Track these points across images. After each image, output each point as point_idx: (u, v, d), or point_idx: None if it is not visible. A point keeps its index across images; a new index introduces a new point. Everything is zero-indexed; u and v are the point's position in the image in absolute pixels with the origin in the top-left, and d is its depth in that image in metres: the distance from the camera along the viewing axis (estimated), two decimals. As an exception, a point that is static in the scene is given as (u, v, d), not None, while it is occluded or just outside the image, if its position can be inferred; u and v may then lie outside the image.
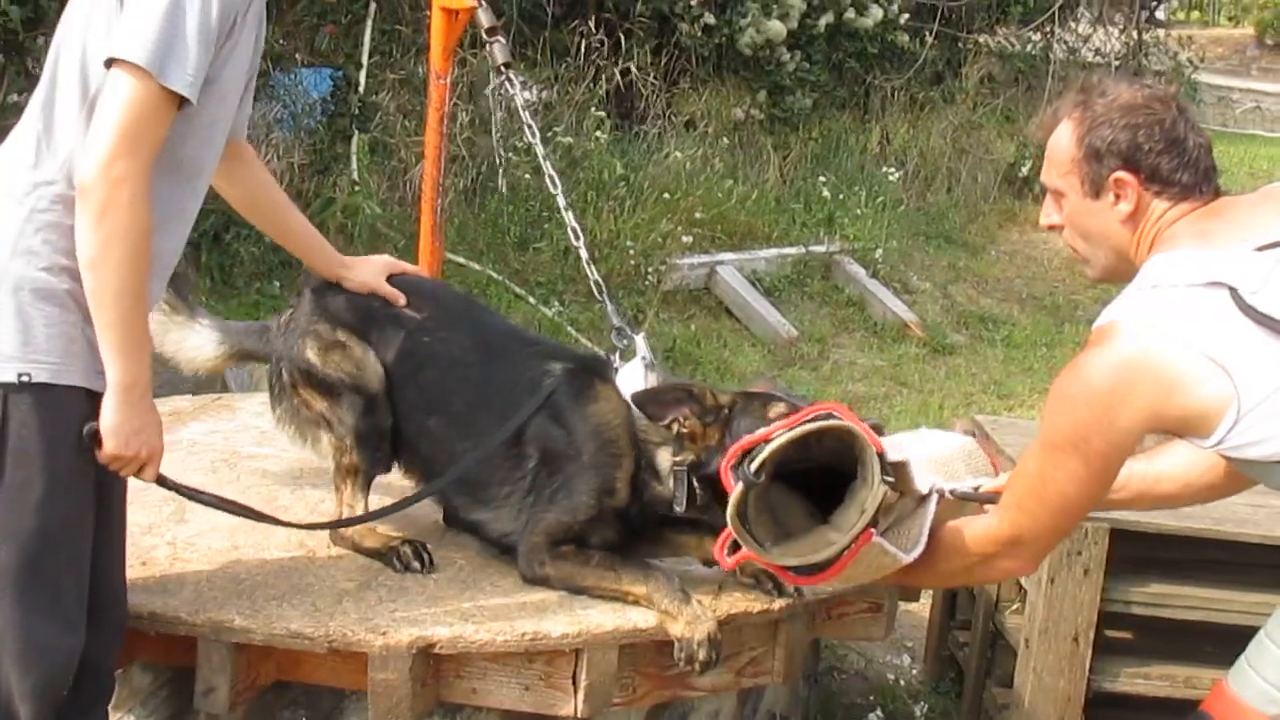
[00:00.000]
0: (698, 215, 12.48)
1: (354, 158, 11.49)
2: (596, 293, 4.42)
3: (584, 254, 4.69)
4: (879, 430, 3.63)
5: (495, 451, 3.99)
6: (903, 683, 5.92)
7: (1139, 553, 4.76)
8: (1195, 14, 32.70)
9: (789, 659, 4.10)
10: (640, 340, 4.13)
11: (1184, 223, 3.23)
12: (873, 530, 3.32)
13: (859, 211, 13.91)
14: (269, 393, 4.38)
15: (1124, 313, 3.10)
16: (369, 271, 4.22)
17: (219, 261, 10.35)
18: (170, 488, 3.58)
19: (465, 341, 4.18)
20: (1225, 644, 4.87)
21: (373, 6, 11.83)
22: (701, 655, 3.70)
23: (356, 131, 11.51)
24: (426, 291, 4.35)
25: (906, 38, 16.22)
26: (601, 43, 13.78)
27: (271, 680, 3.78)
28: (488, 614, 3.74)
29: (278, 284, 10.51)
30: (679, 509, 3.85)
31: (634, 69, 14.11)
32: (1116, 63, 17.77)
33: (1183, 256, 3.12)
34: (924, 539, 3.45)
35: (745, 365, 10.83)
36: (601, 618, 3.75)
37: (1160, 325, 3.03)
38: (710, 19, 14.61)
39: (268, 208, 4.21)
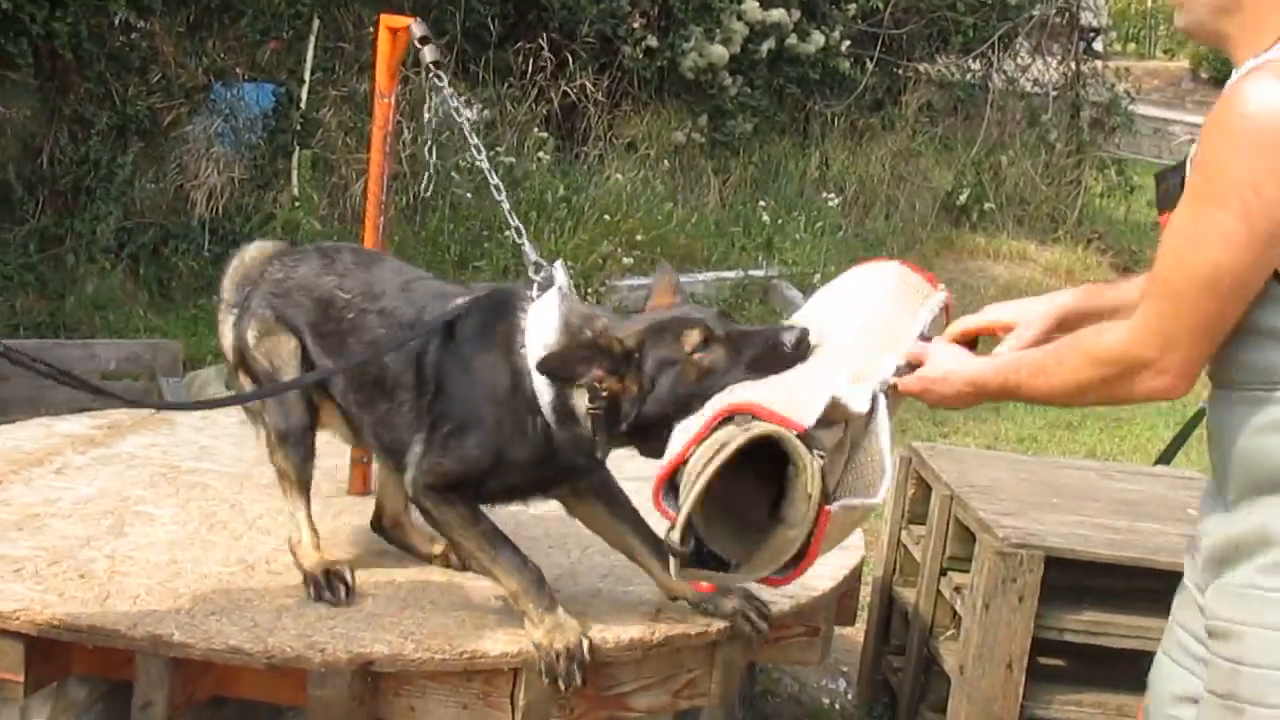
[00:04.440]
0: (638, 237, 12.51)
1: (295, 173, 11.48)
2: (516, 236, 4.31)
3: (505, 204, 4.60)
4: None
5: (388, 365, 3.90)
6: (837, 707, 5.93)
7: (1073, 580, 4.78)
8: (1132, 46, 33.02)
9: (725, 681, 4.10)
10: (558, 268, 3.99)
11: None
12: (829, 507, 3.12)
13: (798, 236, 13.98)
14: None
15: None
16: None
17: (157, 275, 10.33)
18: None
19: (388, 305, 4.03)
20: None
21: (316, 23, 11.84)
22: (562, 667, 3.62)
23: (298, 147, 11.50)
24: (364, 261, 4.25)
25: (847, 64, 16.33)
26: (546, 63, 13.80)
27: (209, 695, 3.76)
28: (426, 632, 3.73)
29: (216, 298, 10.48)
30: (601, 455, 3.70)
31: (576, 91, 14.13)
32: (1054, 93, 17.92)
33: None
34: (887, 462, 3.27)
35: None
36: (541, 637, 3.76)
37: None
38: (653, 42, 14.67)
39: None
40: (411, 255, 11.43)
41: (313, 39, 11.87)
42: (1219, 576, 3.20)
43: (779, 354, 3.39)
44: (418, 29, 4.78)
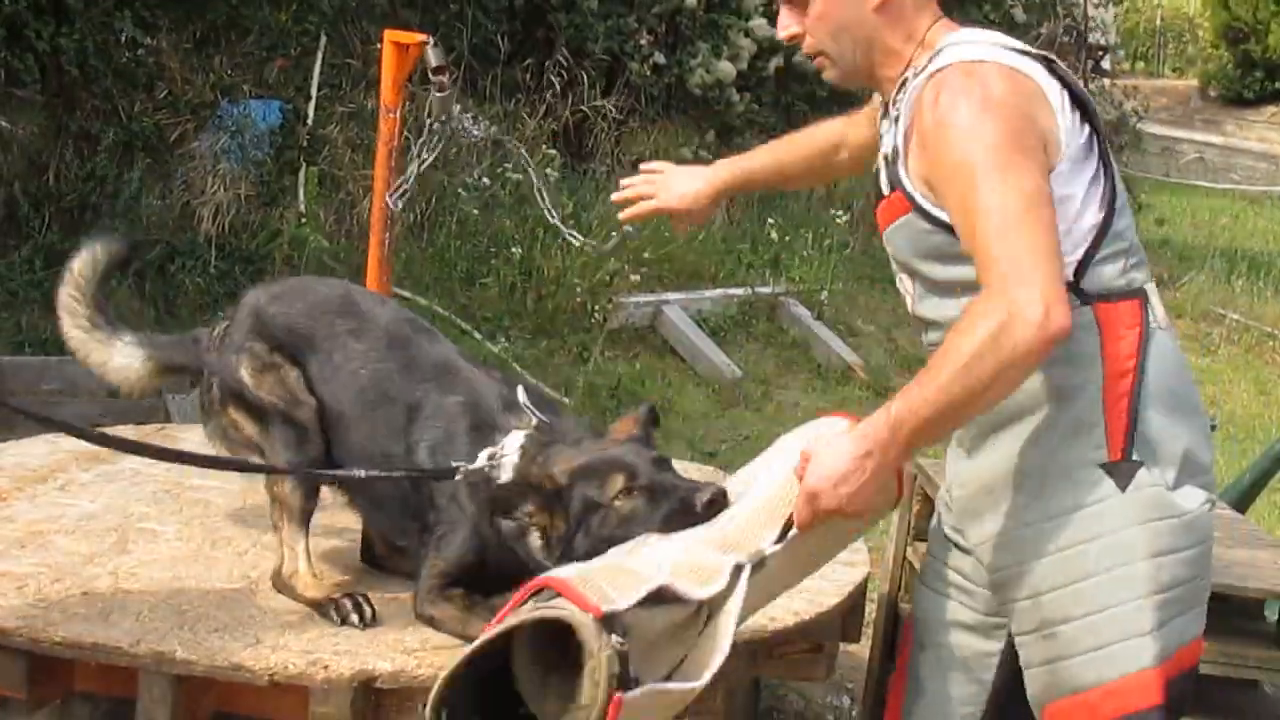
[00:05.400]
0: (645, 254, 12.49)
1: (301, 190, 11.48)
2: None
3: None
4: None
5: (409, 488, 3.92)
6: (842, 724, 5.93)
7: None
8: (1140, 64, 33.03)
9: (729, 697, 4.09)
10: (519, 390, 3.97)
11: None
12: (621, 695, 2.94)
13: (805, 254, 13.97)
14: (199, 408, 4.31)
15: (971, 51, 3.30)
16: None
17: (163, 292, 10.32)
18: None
19: (394, 366, 4.02)
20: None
21: (323, 39, 11.86)
22: None
23: (305, 164, 11.50)
24: (364, 311, 4.20)
25: (855, 81, 16.32)
26: (554, 80, 13.81)
27: (211, 712, 3.76)
28: (430, 648, 3.72)
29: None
30: (549, 564, 3.59)
31: (585, 107, 14.14)
32: (1063, 111, 17.90)
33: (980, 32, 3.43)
34: (724, 645, 3.14)
35: (689, 405, 10.87)
36: (544, 654, 3.74)
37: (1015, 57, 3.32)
38: (661, 59, 14.68)
39: None
40: (419, 272, 11.45)
41: (320, 56, 11.89)
42: (983, 527, 3.48)
43: (690, 514, 3.39)
44: (434, 57, 4.72)
